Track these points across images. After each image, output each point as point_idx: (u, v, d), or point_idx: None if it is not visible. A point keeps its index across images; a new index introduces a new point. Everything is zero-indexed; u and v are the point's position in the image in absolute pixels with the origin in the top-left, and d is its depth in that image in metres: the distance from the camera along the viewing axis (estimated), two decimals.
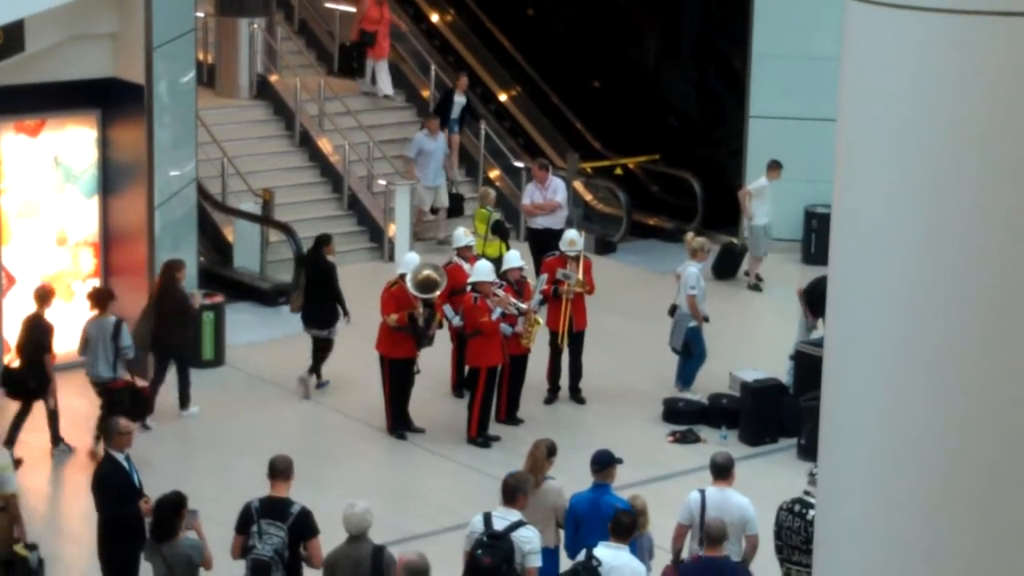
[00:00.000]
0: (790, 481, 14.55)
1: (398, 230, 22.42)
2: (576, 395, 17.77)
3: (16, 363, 16.08)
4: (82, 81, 17.78)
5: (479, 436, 16.51)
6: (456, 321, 16.84)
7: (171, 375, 16.90)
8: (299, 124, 23.68)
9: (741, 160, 23.40)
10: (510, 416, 17.04)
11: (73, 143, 18.02)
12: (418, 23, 26.67)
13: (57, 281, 18.00)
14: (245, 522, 11.34)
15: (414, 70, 25.41)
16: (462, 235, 17.81)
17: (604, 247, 23.16)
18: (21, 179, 17.74)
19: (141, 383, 16.36)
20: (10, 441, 15.52)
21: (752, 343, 19.09)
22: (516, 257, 17.24)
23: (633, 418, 17.30)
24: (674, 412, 17.27)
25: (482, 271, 16.52)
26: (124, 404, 15.59)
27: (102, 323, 15.85)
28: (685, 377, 17.76)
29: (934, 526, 7.54)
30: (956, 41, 7.26)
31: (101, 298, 16.05)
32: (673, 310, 17.69)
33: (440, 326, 16.95)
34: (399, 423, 16.72)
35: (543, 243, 19.78)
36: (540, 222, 21.01)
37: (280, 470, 11.51)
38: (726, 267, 22.12)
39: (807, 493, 11.81)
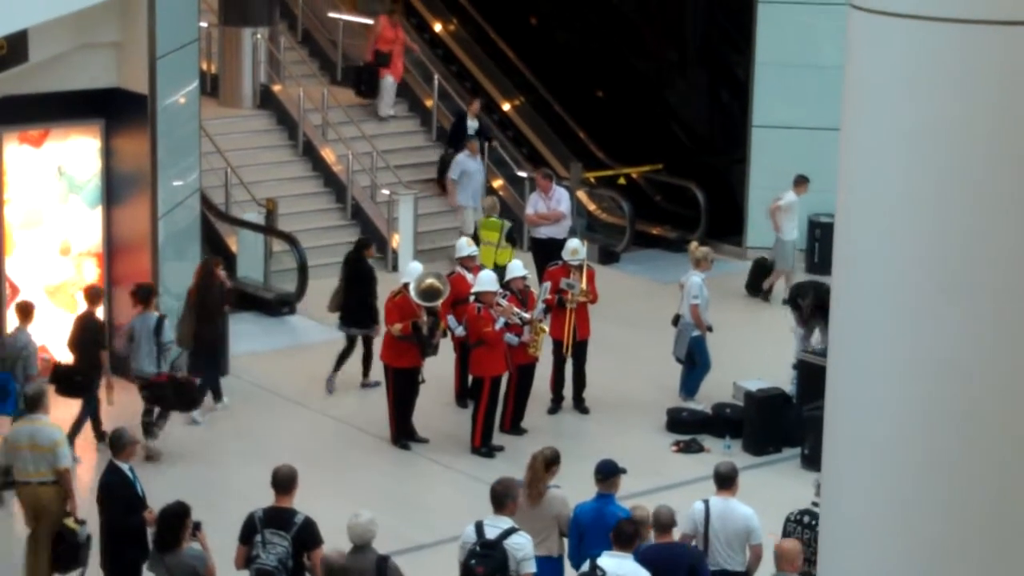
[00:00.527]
0: (794, 491, 14.54)
1: (401, 240, 22.42)
2: (580, 405, 17.76)
3: (68, 360, 16.35)
4: (86, 91, 17.79)
5: (483, 446, 16.50)
6: (460, 331, 16.85)
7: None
8: (302, 134, 23.70)
9: (744, 169, 23.40)
10: (514, 426, 17.03)
11: (77, 153, 18.02)
12: (422, 33, 26.68)
13: (61, 291, 18.01)
14: (249, 532, 11.34)
15: (418, 80, 25.41)
16: (465, 245, 17.81)
17: (607, 257, 23.16)
18: (25, 189, 17.74)
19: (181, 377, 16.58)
20: (72, 436, 15.78)
21: (756, 353, 19.04)
22: (519, 267, 17.24)
23: (637, 428, 17.29)
24: (678, 422, 17.26)
25: (485, 281, 16.52)
26: (167, 399, 15.96)
27: (146, 319, 16.12)
28: (689, 387, 17.75)
29: (939, 532, 7.53)
30: (958, 49, 7.27)
31: (145, 294, 16.28)
32: (676, 320, 17.69)
33: (444, 335, 16.95)
34: (403, 433, 16.71)
35: (547, 253, 19.78)
36: (544, 232, 21.02)
37: (284, 480, 11.51)
38: (759, 283, 21.90)
39: (814, 504, 11.79)
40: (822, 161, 21.53)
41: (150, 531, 11.89)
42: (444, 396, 17.69)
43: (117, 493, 12.37)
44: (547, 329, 17.09)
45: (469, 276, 17.18)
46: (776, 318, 21.03)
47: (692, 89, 25.74)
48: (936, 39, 7.30)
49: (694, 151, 25.25)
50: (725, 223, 23.63)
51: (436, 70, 25.40)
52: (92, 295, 16.39)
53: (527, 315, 16.63)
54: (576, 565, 11.70)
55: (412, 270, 16.85)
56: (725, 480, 12.07)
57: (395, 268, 21.91)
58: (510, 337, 16.40)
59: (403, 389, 16.62)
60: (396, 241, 22.48)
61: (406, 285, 16.53)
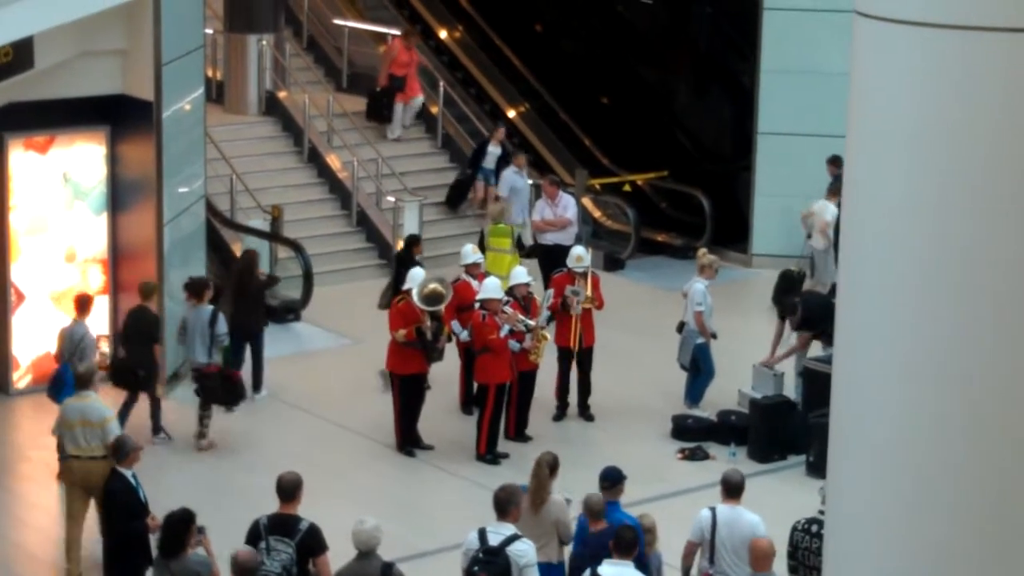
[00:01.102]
0: (799, 498, 14.53)
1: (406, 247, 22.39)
2: (585, 412, 17.75)
3: (122, 354, 16.60)
4: (91, 98, 17.81)
5: (488, 453, 16.49)
6: (464, 337, 16.85)
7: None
8: (308, 140, 23.70)
9: (750, 176, 23.39)
10: (519, 433, 17.03)
11: (82, 160, 18.03)
12: (427, 39, 26.69)
13: (66, 298, 18.01)
14: (253, 538, 11.34)
15: (423, 87, 25.42)
16: (470, 252, 17.82)
17: (612, 264, 23.14)
18: (30, 196, 17.76)
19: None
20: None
21: (761, 359, 19.00)
22: (523, 273, 17.25)
23: (642, 435, 17.28)
24: (683, 429, 17.26)
25: (490, 288, 16.52)
26: (215, 390, 16.46)
27: (199, 312, 16.60)
28: (694, 394, 17.74)
29: (944, 537, 7.53)
30: (963, 56, 7.27)
31: (198, 288, 16.79)
32: (681, 327, 17.68)
33: (449, 339, 16.95)
34: (408, 440, 16.70)
35: (553, 259, 19.78)
36: (550, 238, 21.02)
37: (288, 487, 11.51)
38: (788, 297, 21.44)
39: (821, 512, 11.76)
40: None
41: (153, 537, 11.89)
42: (449, 403, 17.69)
43: (120, 500, 12.40)
44: (549, 336, 17.09)
45: (474, 283, 17.19)
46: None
47: (697, 96, 25.75)
48: (942, 46, 7.30)
49: (699, 158, 25.24)
50: (730, 230, 23.62)
51: (442, 77, 25.40)
52: (146, 291, 16.64)
53: (532, 322, 16.64)
54: (580, 573, 11.69)
55: (414, 276, 16.86)
56: (735, 489, 12.04)
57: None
58: (512, 343, 16.40)
59: (409, 396, 16.62)
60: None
61: (408, 291, 16.54)
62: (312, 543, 11.28)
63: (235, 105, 24.34)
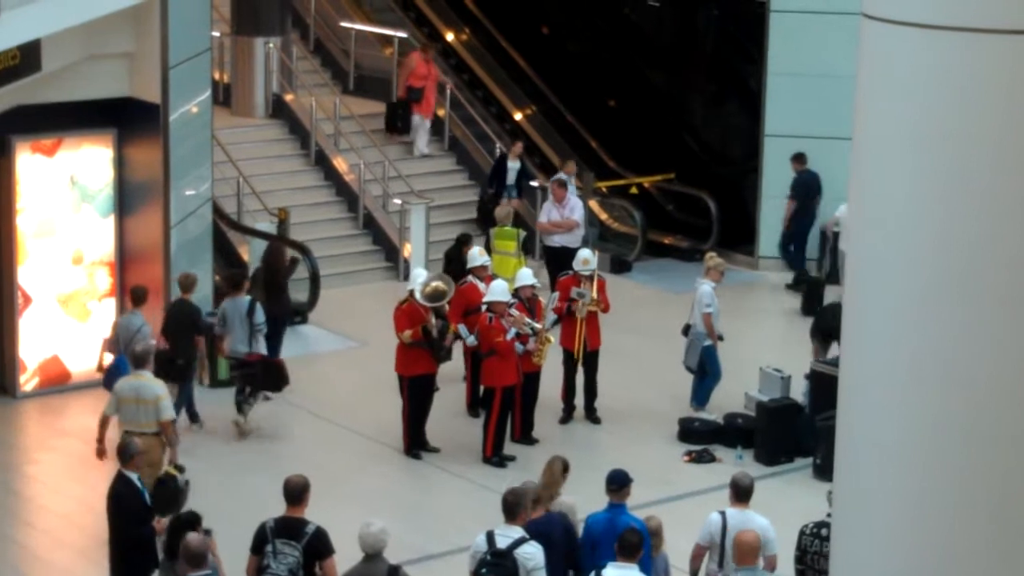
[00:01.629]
0: (805, 501, 14.52)
1: (413, 249, 22.42)
2: (591, 415, 17.75)
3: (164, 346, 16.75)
4: (98, 101, 17.83)
5: (494, 456, 16.49)
6: (471, 340, 16.85)
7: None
8: (314, 143, 23.72)
9: (757, 179, 23.38)
10: (525, 435, 17.03)
11: (89, 162, 18.05)
12: (433, 42, 26.70)
13: (73, 300, 18.04)
14: (260, 542, 11.33)
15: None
16: (476, 255, 17.82)
17: (619, 266, 23.14)
18: (38, 198, 17.77)
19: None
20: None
21: (767, 362, 18.99)
22: (528, 275, 17.25)
23: (648, 438, 17.27)
24: (689, 432, 17.25)
25: (497, 291, 16.53)
26: (257, 377, 16.95)
27: (237, 302, 17.04)
28: (700, 396, 17.73)
29: (951, 539, 7.52)
30: (970, 59, 7.26)
31: (236, 280, 17.36)
32: (687, 330, 17.67)
33: (456, 338, 16.95)
34: (416, 443, 16.70)
35: (560, 261, 19.78)
36: (557, 240, 21.03)
37: (295, 490, 11.50)
38: (815, 301, 21.26)
39: (829, 515, 11.75)
40: (834, 171, 21.57)
41: (159, 540, 11.89)
42: (455, 406, 17.69)
43: (126, 503, 12.40)
44: (553, 339, 17.09)
45: (481, 286, 17.19)
46: (787, 328, 21.04)
47: (704, 99, 25.75)
48: (948, 48, 7.30)
49: (706, 161, 25.24)
50: (737, 233, 23.61)
51: (448, 79, 25.40)
52: (186, 283, 16.96)
53: (539, 325, 16.64)
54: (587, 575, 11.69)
55: (416, 277, 16.90)
56: (745, 492, 12.01)
57: (407, 278, 21.89)
58: (516, 345, 16.40)
59: (419, 397, 16.62)
60: (408, 251, 22.47)
61: (411, 292, 16.56)
62: (319, 546, 11.27)
63: (242, 108, 24.37)
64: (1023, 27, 7.16)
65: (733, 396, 17.74)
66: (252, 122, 24.19)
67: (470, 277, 17.61)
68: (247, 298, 17.13)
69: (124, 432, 14.15)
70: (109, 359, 16.65)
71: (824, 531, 11.77)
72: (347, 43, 26.30)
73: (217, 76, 22.95)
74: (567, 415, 17.73)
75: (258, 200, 22.06)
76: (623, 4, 26.36)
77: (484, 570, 11.04)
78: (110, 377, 15.78)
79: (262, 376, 17.05)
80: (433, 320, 16.43)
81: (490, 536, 11.25)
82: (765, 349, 19.57)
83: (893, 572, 7.73)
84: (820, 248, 22.75)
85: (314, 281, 20.73)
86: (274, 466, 15.53)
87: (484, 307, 16.57)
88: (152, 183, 17.93)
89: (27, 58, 15.93)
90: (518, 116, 26.08)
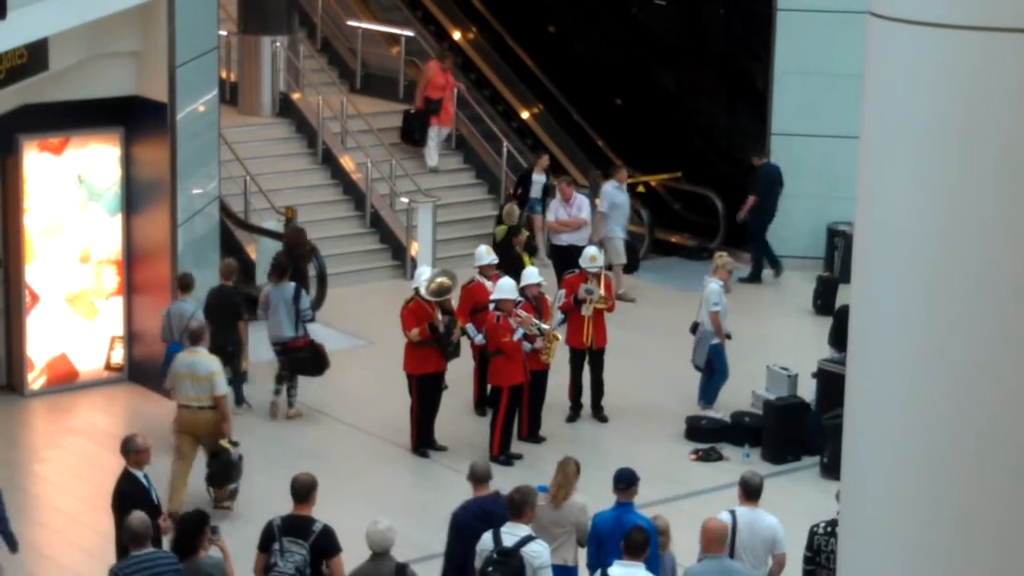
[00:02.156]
0: (813, 499, 14.53)
1: (420, 248, 22.43)
2: (598, 413, 17.76)
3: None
4: (105, 99, 17.84)
5: (501, 454, 16.50)
6: (479, 339, 16.87)
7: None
8: (322, 142, 23.73)
9: None
10: (532, 434, 17.03)
11: (96, 161, 18.07)
12: (440, 41, 26.70)
13: (80, 299, 18.05)
14: (267, 540, 11.35)
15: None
16: (484, 253, 17.82)
17: (626, 264, 23.13)
18: (45, 197, 17.79)
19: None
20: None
21: (773, 361, 18.99)
22: (534, 273, 17.26)
23: (655, 436, 17.28)
24: (697, 430, 17.25)
25: (504, 289, 16.53)
26: (305, 361, 17.43)
27: (283, 289, 17.50)
28: (708, 395, 17.73)
29: (959, 538, 7.52)
30: (977, 57, 7.26)
31: (281, 269, 17.76)
32: (694, 328, 17.66)
33: (463, 334, 16.96)
34: (423, 442, 16.71)
35: (567, 260, 19.79)
36: (564, 239, 21.04)
37: (302, 488, 11.52)
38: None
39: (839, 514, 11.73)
40: (841, 169, 21.57)
41: (166, 538, 11.90)
42: (463, 404, 17.70)
43: (132, 501, 12.37)
44: (560, 337, 17.09)
45: (488, 284, 17.20)
46: (794, 326, 21.03)
47: (711, 97, 25.73)
48: (956, 47, 7.29)
49: (713, 159, 25.23)
50: (744, 231, 23.60)
51: (458, 81, 25.38)
52: (226, 271, 17.58)
53: (546, 326, 16.65)
54: (593, 574, 11.69)
55: (420, 275, 16.93)
56: (755, 491, 12.00)
57: (413, 276, 21.89)
58: (524, 344, 16.41)
59: (428, 396, 16.62)
60: (415, 249, 22.48)
61: (417, 290, 16.58)
62: (326, 544, 11.28)
63: (249, 107, 24.39)
64: None
65: (740, 394, 17.74)
66: (259, 121, 24.21)
67: (477, 276, 17.61)
68: (292, 284, 17.59)
69: (179, 407, 14.68)
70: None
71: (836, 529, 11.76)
72: (354, 42, 26.30)
73: (224, 75, 22.94)
74: (574, 413, 17.74)
75: (265, 199, 22.07)
76: (630, 3, 26.35)
77: (491, 568, 11.05)
78: (167, 366, 15.86)
79: (310, 360, 17.42)
80: (440, 316, 16.45)
81: (496, 534, 11.26)
82: (772, 347, 19.56)
83: (901, 571, 7.73)
84: (827, 247, 22.74)
85: (321, 280, 20.75)
86: (281, 464, 15.54)
87: (492, 305, 16.58)
88: (159, 182, 17.94)
89: (34, 57, 15.94)
90: (525, 115, 26.08)
